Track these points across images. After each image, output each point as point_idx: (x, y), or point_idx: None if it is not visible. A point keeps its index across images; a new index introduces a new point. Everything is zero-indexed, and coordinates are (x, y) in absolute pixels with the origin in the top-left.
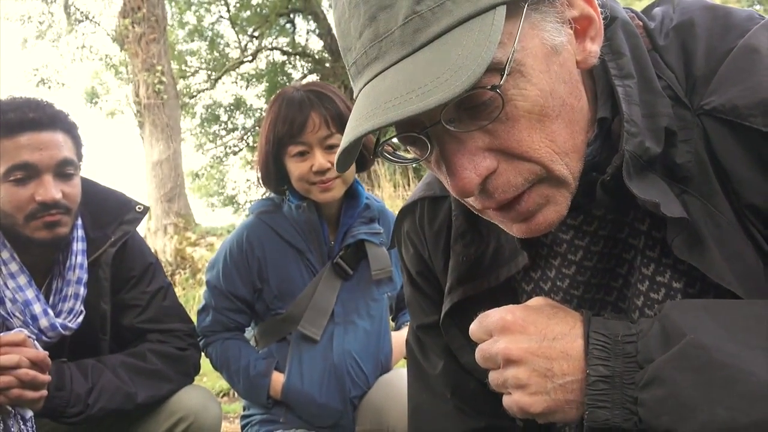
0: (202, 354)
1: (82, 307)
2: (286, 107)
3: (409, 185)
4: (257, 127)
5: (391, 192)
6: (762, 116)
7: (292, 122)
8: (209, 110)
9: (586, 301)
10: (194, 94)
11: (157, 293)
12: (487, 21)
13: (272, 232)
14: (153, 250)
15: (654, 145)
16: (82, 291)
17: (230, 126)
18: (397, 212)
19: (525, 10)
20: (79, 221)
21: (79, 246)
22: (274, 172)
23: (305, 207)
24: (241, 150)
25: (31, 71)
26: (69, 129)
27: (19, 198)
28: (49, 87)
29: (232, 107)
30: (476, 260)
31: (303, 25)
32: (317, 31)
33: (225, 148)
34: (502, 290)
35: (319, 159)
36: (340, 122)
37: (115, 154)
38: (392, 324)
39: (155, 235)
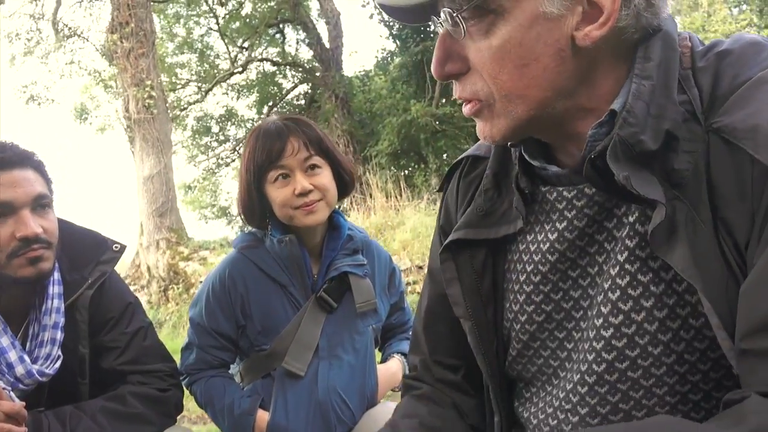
0: (187, 391)
1: (60, 352)
2: (264, 137)
3: (400, 195)
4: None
5: (383, 202)
6: (752, 140)
7: (270, 149)
8: (200, 122)
9: (557, 271)
10: (185, 106)
11: (137, 333)
12: None
13: (255, 267)
14: (145, 266)
15: (650, 141)
16: (59, 335)
17: (222, 137)
18: (387, 225)
19: None
20: (56, 264)
21: (55, 289)
22: (257, 204)
23: (287, 241)
24: (233, 161)
25: (20, 88)
26: (38, 166)
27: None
28: (39, 104)
29: (223, 118)
30: (487, 213)
31: (293, 35)
32: (307, 40)
33: (217, 160)
34: (498, 244)
35: (301, 181)
36: (318, 146)
37: (106, 170)
38: (379, 355)
39: (147, 251)
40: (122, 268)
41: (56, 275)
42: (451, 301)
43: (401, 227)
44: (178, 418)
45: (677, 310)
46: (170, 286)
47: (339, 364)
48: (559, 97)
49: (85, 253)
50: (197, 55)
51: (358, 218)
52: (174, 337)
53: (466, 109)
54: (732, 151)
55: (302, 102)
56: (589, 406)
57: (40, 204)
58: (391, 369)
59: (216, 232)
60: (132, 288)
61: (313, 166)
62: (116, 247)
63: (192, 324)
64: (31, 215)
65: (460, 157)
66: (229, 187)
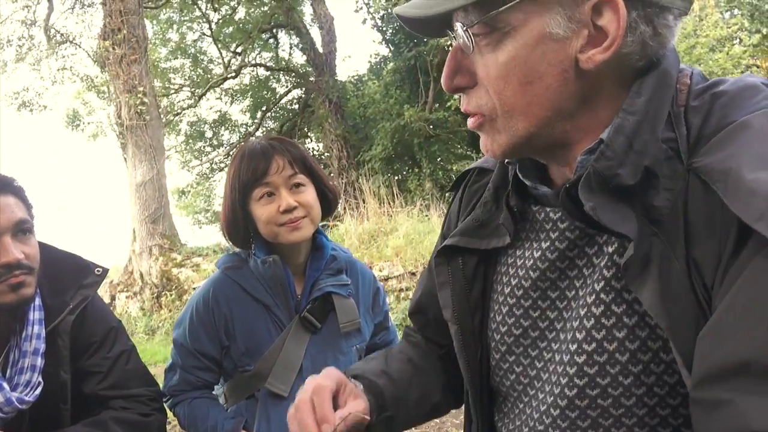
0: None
1: (40, 379)
2: (249, 156)
3: (394, 201)
4: (243, 142)
5: (376, 208)
6: (723, 183)
7: (256, 167)
8: (194, 127)
9: (537, 288)
10: (178, 111)
11: (120, 358)
12: None
13: (238, 288)
14: (138, 272)
15: (627, 176)
16: (40, 362)
17: (215, 142)
18: (380, 231)
19: None
20: (37, 289)
21: (36, 315)
22: (241, 223)
23: (271, 261)
24: (227, 166)
25: (11, 95)
26: (18, 192)
27: None
28: (31, 110)
29: (216, 123)
30: (482, 224)
31: (286, 40)
32: (300, 45)
33: (211, 164)
34: (489, 254)
35: (286, 198)
36: (303, 165)
37: (99, 177)
38: None
39: (140, 257)
40: (115, 274)
41: (37, 301)
42: (441, 304)
43: (394, 233)
44: None
45: (648, 343)
46: (163, 293)
47: None
48: (559, 117)
49: (67, 277)
50: (190, 60)
51: (351, 224)
52: (167, 344)
53: (470, 123)
54: (707, 192)
55: (296, 107)
56: (560, 428)
57: (21, 229)
58: None
59: (209, 238)
60: (124, 295)
61: (298, 184)
62: (98, 271)
63: (176, 345)
64: (12, 241)
65: (468, 168)
66: (223, 191)
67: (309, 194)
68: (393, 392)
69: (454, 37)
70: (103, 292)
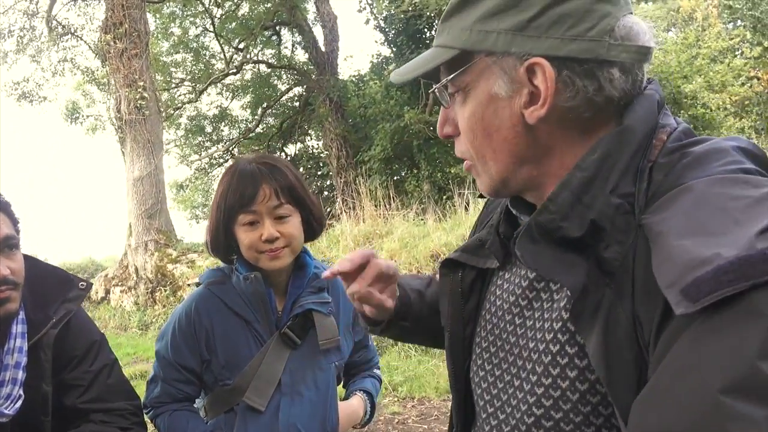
0: (151, 425)
1: (21, 392)
2: (238, 178)
3: (390, 204)
4: (243, 138)
5: (372, 211)
6: (654, 244)
7: (243, 192)
8: (194, 122)
9: (510, 313)
10: (179, 105)
11: (101, 372)
12: (440, 55)
13: (221, 303)
14: (133, 267)
15: (573, 228)
16: (21, 375)
17: (215, 137)
18: (375, 234)
19: (482, 58)
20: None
21: (18, 329)
22: (223, 241)
23: (253, 278)
24: (226, 161)
25: (12, 85)
26: (5, 208)
27: None
28: (31, 102)
29: (217, 119)
30: (482, 244)
31: (288, 37)
32: (303, 43)
33: (210, 160)
34: (482, 275)
35: (269, 228)
36: (290, 194)
37: (96, 171)
38: (342, 392)
39: (135, 252)
40: (110, 268)
41: (21, 314)
42: (440, 310)
43: (389, 236)
44: None
45: (597, 387)
46: (158, 288)
47: (300, 401)
48: (523, 163)
49: (51, 291)
50: (192, 54)
51: (347, 225)
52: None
53: (465, 166)
54: (649, 249)
55: (296, 104)
56: None
57: (8, 245)
58: (353, 406)
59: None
60: (119, 289)
61: (282, 216)
62: (82, 285)
63: (158, 357)
64: None
65: None
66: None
67: (292, 225)
68: (418, 310)
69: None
70: (98, 285)
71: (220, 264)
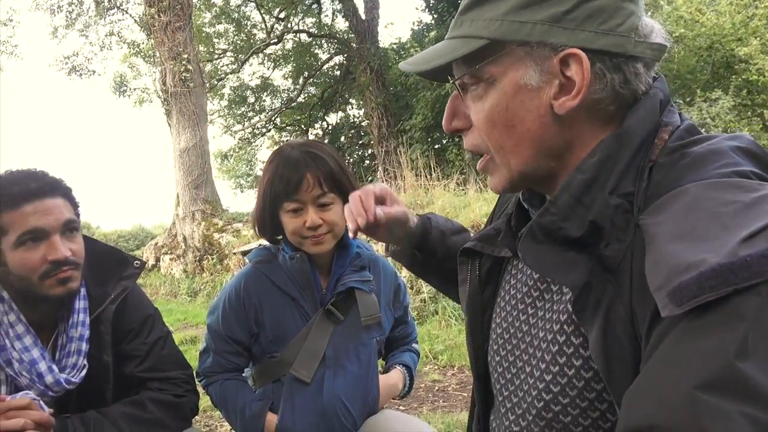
0: (203, 392)
1: (85, 362)
2: (283, 166)
3: (431, 174)
4: (285, 108)
5: (413, 181)
6: (648, 246)
7: (288, 181)
8: (236, 92)
9: (523, 303)
10: (222, 76)
11: (156, 343)
12: (467, 45)
13: (268, 281)
14: (181, 236)
15: (573, 229)
16: (84, 347)
17: (258, 107)
18: (416, 204)
19: (514, 48)
20: (82, 280)
21: (81, 304)
22: (269, 225)
23: (298, 258)
24: (269, 131)
25: (62, 60)
26: (66, 193)
27: (33, 260)
28: (80, 75)
29: (259, 88)
30: (498, 233)
31: (329, 6)
32: (343, 11)
33: (253, 129)
34: (498, 263)
35: (312, 216)
36: (332, 182)
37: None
38: (382, 365)
39: (183, 221)
40: (160, 236)
41: (82, 291)
42: (460, 297)
43: (430, 207)
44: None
45: (601, 375)
46: (205, 257)
47: (343, 373)
48: (544, 156)
49: (109, 269)
50: (234, 25)
51: None
52: (208, 306)
53: (479, 165)
54: (645, 249)
55: (337, 73)
56: None
57: (69, 228)
58: (392, 379)
59: (250, 202)
60: (168, 257)
61: (325, 204)
62: (137, 263)
63: (209, 330)
64: (61, 240)
65: None
66: (265, 156)
67: (335, 212)
68: (433, 247)
69: (453, 83)
70: (149, 253)
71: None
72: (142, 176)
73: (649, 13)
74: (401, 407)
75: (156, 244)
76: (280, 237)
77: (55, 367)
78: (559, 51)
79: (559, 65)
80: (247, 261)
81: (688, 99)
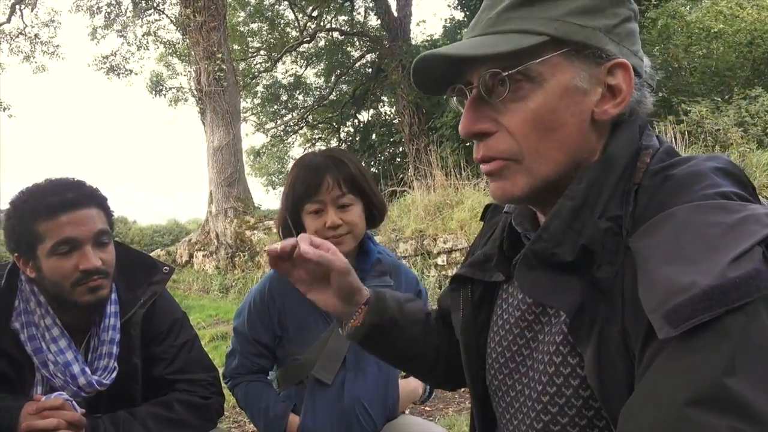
0: (229, 394)
1: (116, 364)
2: (305, 170)
3: (460, 174)
4: (317, 106)
5: (443, 180)
6: (639, 268)
7: (309, 183)
8: (269, 90)
9: (518, 327)
10: (255, 74)
11: (184, 346)
12: (526, 39)
13: (291, 285)
14: (214, 233)
15: (565, 254)
16: (115, 350)
17: (290, 105)
18: (445, 204)
19: (569, 50)
20: (113, 286)
21: (112, 309)
22: (293, 228)
23: None
24: (301, 128)
25: (101, 59)
26: (101, 203)
27: (66, 268)
28: (118, 75)
29: (291, 86)
30: (488, 258)
31: (361, 3)
32: (375, 9)
33: (285, 127)
34: (490, 287)
35: (332, 216)
36: (351, 184)
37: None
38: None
39: (216, 219)
40: (193, 233)
41: (113, 296)
42: (453, 324)
43: (459, 206)
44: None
45: (597, 393)
46: (237, 253)
47: (363, 376)
48: (572, 163)
49: (139, 275)
50: (267, 23)
51: (417, 194)
52: (238, 302)
53: (488, 167)
54: (635, 270)
55: (369, 71)
56: None
57: (101, 239)
58: (411, 384)
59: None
60: (201, 254)
61: (345, 205)
62: (165, 269)
63: (235, 332)
64: (93, 250)
65: (488, 204)
66: (297, 154)
67: (354, 213)
68: (394, 315)
69: (475, 87)
70: (183, 249)
71: None
72: (176, 173)
73: (688, 8)
74: (427, 407)
75: (190, 240)
76: None
77: (87, 369)
78: (609, 59)
79: (606, 73)
80: None
81: (726, 96)
